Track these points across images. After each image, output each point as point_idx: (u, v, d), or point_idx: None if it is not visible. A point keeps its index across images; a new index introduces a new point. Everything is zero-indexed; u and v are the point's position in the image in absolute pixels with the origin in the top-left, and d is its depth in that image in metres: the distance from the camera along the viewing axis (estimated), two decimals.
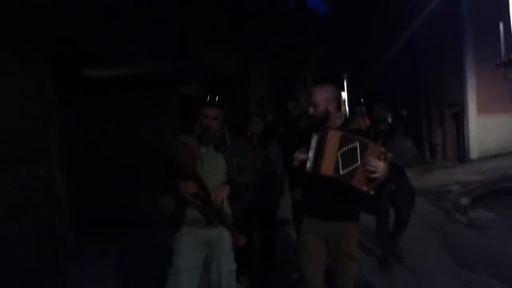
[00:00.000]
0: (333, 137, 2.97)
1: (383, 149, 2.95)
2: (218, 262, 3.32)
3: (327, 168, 2.94)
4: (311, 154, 3.03)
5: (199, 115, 3.35)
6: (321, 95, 3.17)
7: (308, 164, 3.02)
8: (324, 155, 2.95)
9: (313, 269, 3.26)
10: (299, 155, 3.10)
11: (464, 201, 8.01)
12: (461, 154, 13.58)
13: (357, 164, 2.88)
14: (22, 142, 3.67)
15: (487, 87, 12.10)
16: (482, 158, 12.43)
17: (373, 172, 2.87)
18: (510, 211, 7.34)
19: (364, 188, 2.92)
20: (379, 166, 2.88)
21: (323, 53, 15.36)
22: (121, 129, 6.74)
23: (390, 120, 12.98)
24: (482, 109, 12.86)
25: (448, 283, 4.71)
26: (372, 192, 2.99)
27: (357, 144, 2.92)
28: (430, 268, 5.08)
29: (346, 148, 2.93)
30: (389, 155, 2.98)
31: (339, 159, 2.93)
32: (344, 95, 33.47)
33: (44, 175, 3.82)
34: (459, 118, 13.82)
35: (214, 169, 3.33)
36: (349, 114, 17.41)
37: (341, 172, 2.92)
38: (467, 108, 13.20)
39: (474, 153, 12.96)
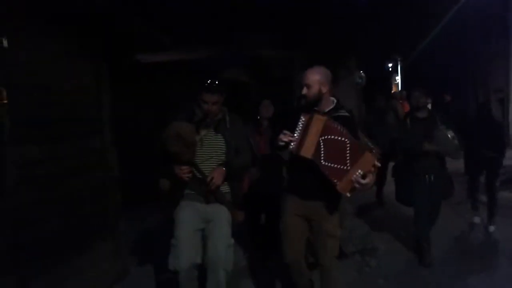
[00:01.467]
0: (317, 121, 3.04)
1: (376, 162, 2.92)
2: (215, 236, 3.43)
3: (307, 150, 3.03)
4: (297, 134, 3.11)
5: (199, 100, 3.46)
6: (314, 77, 3.20)
7: (293, 144, 3.11)
8: (306, 137, 3.03)
9: (295, 251, 3.34)
10: (284, 135, 3.14)
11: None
12: (506, 140, 13.57)
13: (346, 168, 2.90)
14: (82, 117, 4.48)
15: None
16: None
17: (362, 184, 2.90)
18: None
19: (347, 194, 2.98)
20: (369, 183, 2.92)
21: (369, 38, 15.54)
22: (167, 111, 7.49)
23: (430, 106, 13.08)
24: None
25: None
26: (348, 194, 3.06)
27: (348, 143, 2.94)
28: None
29: (331, 136, 2.97)
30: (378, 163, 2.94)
31: (321, 145, 3.00)
32: (398, 79, 33.24)
33: (98, 145, 4.66)
34: (504, 104, 13.78)
35: (213, 150, 3.48)
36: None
37: (323, 161, 2.98)
38: (511, 93, 13.22)
39: None
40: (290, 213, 3.35)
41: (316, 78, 3.21)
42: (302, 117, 3.14)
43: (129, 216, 5.63)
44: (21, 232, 3.41)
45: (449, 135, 4.60)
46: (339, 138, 2.96)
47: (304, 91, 3.23)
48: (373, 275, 4.63)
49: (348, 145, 2.93)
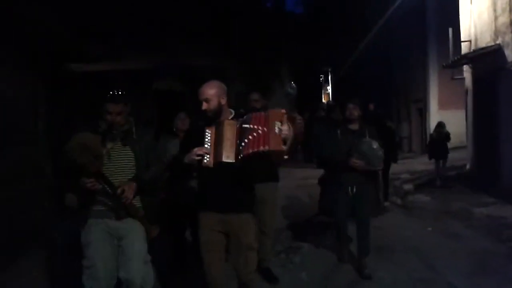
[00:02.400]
0: (230, 126, 3.03)
1: (283, 111, 2.97)
2: (129, 253, 3.25)
3: (228, 155, 2.97)
4: (208, 146, 3.06)
5: (103, 111, 3.27)
6: (211, 90, 3.18)
7: (206, 157, 3.05)
8: (223, 143, 2.98)
9: (215, 268, 3.25)
10: (198, 150, 3.06)
11: (406, 187, 9.07)
12: (424, 147, 14.63)
13: (263, 130, 2.90)
14: (19, 130, 4.58)
15: (446, 85, 13.09)
16: None
17: (284, 131, 2.88)
18: (443, 196, 8.39)
19: (283, 147, 2.90)
20: (285, 128, 2.90)
21: (300, 50, 16.26)
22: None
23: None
24: (442, 105, 13.96)
25: None
26: (285, 156, 3.01)
27: (257, 121, 2.95)
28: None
29: (245, 132, 2.95)
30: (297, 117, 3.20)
31: (239, 144, 2.96)
32: (329, 89, 34.50)
33: (33, 156, 4.76)
34: (423, 113, 14.89)
35: (122, 163, 3.30)
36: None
37: (243, 152, 2.91)
38: (429, 104, 14.30)
39: None
40: (208, 229, 3.24)
41: (213, 92, 3.19)
42: (207, 130, 3.12)
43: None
44: None
45: (373, 146, 4.51)
46: (251, 126, 2.96)
47: (204, 106, 3.17)
48: (297, 271, 4.94)
49: (258, 119, 2.97)
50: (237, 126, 3.02)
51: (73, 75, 7.02)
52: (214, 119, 3.17)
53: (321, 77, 29.72)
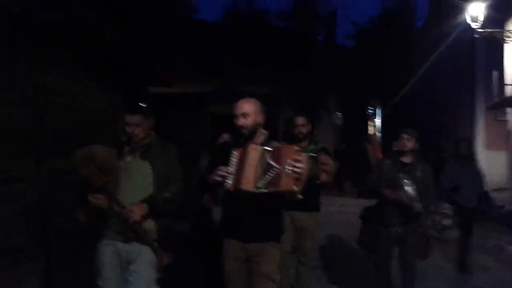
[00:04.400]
0: (255, 151, 2.86)
1: (297, 148, 2.87)
2: (135, 278, 3.08)
3: (248, 183, 2.79)
4: (231, 170, 2.87)
5: (122, 123, 3.16)
6: (250, 106, 3.02)
7: (228, 181, 2.86)
8: (245, 169, 2.81)
9: None
10: (220, 172, 2.89)
11: (445, 221, 9.31)
12: None
13: (278, 170, 2.75)
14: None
15: (491, 126, 13.26)
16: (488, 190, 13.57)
17: (297, 169, 2.73)
18: (481, 232, 8.59)
19: (294, 188, 2.74)
20: (300, 165, 2.74)
21: (349, 82, 16.81)
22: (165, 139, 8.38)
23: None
24: (489, 145, 14.05)
25: None
26: (300, 196, 2.83)
27: (270, 153, 2.83)
28: None
29: (266, 161, 2.81)
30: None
31: (260, 174, 2.80)
32: (378, 122, 34.59)
33: None
34: None
35: (138, 179, 3.11)
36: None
37: (262, 185, 2.78)
38: (476, 144, 14.41)
39: None
40: (231, 258, 3.10)
41: (252, 108, 3.01)
42: (234, 152, 2.92)
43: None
44: None
45: (410, 191, 4.13)
46: (270, 155, 2.83)
47: (241, 121, 2.98)
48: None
49: (270, 154, 2.83)
50: (261, 152, 2.85)
51: (146, 97, 7.84)
52: (248, 138, 3.01)
53: (369, 109, 29.93)
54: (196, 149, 5.51)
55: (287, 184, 2.73)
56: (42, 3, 4.14)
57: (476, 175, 6.19)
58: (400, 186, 4.16)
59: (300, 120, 4.57)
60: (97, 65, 5.29)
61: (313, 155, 3.99)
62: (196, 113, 8.66)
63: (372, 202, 4.66)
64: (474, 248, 7.44)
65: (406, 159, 4.38)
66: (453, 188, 6.09)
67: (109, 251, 3.10)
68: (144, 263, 3.09)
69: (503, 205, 10.67)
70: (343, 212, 9.90)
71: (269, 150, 2.84)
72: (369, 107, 28.25)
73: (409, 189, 4.13)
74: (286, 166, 2.72)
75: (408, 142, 4.35)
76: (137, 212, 2.97)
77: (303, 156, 2.80)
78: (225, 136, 4.44)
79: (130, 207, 2.97)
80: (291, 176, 2.72)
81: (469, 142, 6.76)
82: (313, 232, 4.58)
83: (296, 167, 2.72)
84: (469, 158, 6.28)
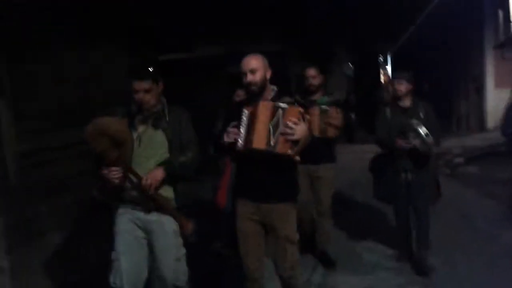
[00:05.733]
0: (265, 108, 2.80)
1: (300, 109, 2.84)
2: (158, 249, 3.03)
3: (260, 142, 2.74)
4: (242, 129, 2.82)
5: (131, 91, 3.01)
6: (258, 61, 2.93)
7: (240, 141, 2.81)
8: (256, 128, 2.75)
9: (251, 260, 3.05)
10: (231, 132, 2.87)
11: (457, 160, 9.80)
12: (481, 124, 15.05)
13: (278, 130, 2.73)
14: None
15: (501, 64, 13.47)
16: (498, 128, 13.93)
17: (292, 134, 2.71)
18: (491, 167, 9.06)
19: (289, 152, 2.75)
20: (297, 127, 2.72)
21: (358, 31, 16.95)
22: (185, 100, 8.86)
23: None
24: (499, 83, 14.28)
25: None
26: (297, 157, 2.85)
27: (280, 111, 2.78)
28: None
29: (276, 118, 2.77)
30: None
31: (271, 130, 2.75)
32: (388, 68, 34.54)
33: None
34: (480, 91, 15.26)
35: (153, 148, 3.02)
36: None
37: (271, 143, 2.74)
38: (486, 82, 14.65)
39: (491, 123, 14.45)
40: (244, 219, 3.05)
41: (260, 63, 2.93)
42: (244, 110, 2.87)
43: None
44: None
45: (421, 132, 4.06)
46: (278, 113, 2.79)
47: (250, 77, 2.89)
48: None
49: (280, 113, 2.80)
50: (272, 108, 2.80)
51: (153, 61, 8.17)
52: (257, 94, 2.95)
53: (380, 56, 29.90)
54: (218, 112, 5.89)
55: (282, 148, 2.75)
56: None
57: None
58: (415, 133, 4.09)
59: (311, 71, 4.49)
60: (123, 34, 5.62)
61: (325, 108, 4.13)
62: (216, 76, 9.07)
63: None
64: (486, 180, 7.98)
65: (405, 103, 4.37)
66: None
67: (126, 219, 3.03)
68: (166, 231, 3.02)
69: None
70: (362, 159, 10.39)
71: (282, 107, 2.80)
72: (380, 55, 28.28)
73: (424, 134, 4.05)
74: (285, 128, 2.74)
75: (400, 86, 4.32)
76: (154, 178, 2.89)
77: (302, 119, 2.79)
78: (240, 93, 4.44)
79: (147, 176, 2.88)
80: (286, 139, 2.74)
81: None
82: (329, 182, 4.58)
83: (290, 128, 2.72)
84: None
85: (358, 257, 4.80)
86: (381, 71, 31.92)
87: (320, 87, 4.56)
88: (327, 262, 4.58)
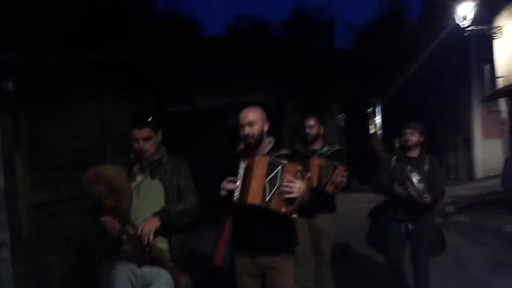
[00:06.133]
0: (261, 164, 2.77)
1: (299, 167, 2.80)
2: None
3: (254, 197, 2.72)
4: (238, 182, 2.80)
5: (131, 140, 2.98)
6: (256, 114, 2.94)
7: (236, 194, 2.80)
8: (251, 183, 2.72)
9: None
10: (227, 185, 2.84)
11: (448, 208, 10.10)
12: (470, 174, 15.47)
13: (276, 186, 2.71)
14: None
15: (488, 117, 14.07)
16: (487, 178, 14.34)
17: (288, 192, 2.69)
18: (481, 215, 9.37)
19: (283, 210, 2.72)
20: (295, 185, 2.70)
21: (349, 84, 17.64)
22: (187, 149, 9.09)
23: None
24: (486, 135, 14.82)
25: None
26: (294, 215, 2.83)
27: (279, 167, 2.75)
28: None
29: (272, 174, 2.74)
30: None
31: (266, 186, 2.72)
32: (377, 120, 35.34)
33: None
34: (468, 143, 15.78)
35: (151, 199, 2.97)
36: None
37: (266, 199, 2.72)
38: (474, 134, 15.21)
39: (480, 173, 14.89)
40: (242, 273, 3.04)
41: (258, 116, 2.94)
42: (241, 163, 2.86)
43: None
44: None
45: (413, 179, 4.10)
46: (277, 169, 2.77)
47: (248, 130, 2.90)
48: None
49: (279, 170, 2.77)
50: (268, 163, 2.80)
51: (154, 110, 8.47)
52: (254, 147, 2.97)
53: (370, 108, 30.69)
54: (218, 162, 6.09)
55: (276, 205, 2.73)
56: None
57: None
58: (408, 180, 4.11)
59: (310, 121, 4.54)
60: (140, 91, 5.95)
61: (334, 163, 4.13)
62: (216, 127, 9.44)
63: (381, 197, 4.66)
64: (476, 228, 8.24)
65: (412, 154, 4.36)
66: None
67: (123, 275, 2.96)
68: (163, 285, 2.95)
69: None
70: (355, 209, 10.67)
71: (282, 163, 2.79)
72: (369, 107, 29.06)
73: (416, 181, 4.09)
74: (281, 185, 2.72)
75: (412, 137, 4.31)
76: (149, 226, 2.80)
77: (301, 176, 2.77)
78: (242, 145, 4.53)
79: (141, 226, 2.80)
80: (282, 197, 2.72)
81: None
82: (329, 232, 4.58)
83: (289, 187, 2.70)
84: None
85: None
86: (370, 122, 32.77)
87: (319, 137, 4.62)
88: None
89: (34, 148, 4.18)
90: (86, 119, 4.98)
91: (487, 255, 6.57)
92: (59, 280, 4.40)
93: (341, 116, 18.77)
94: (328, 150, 4.59)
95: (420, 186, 4.09)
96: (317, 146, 4.60)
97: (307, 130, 4.56)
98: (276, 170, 2.75)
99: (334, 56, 17.08)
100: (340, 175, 4.31)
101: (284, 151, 3.07)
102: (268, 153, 2.98)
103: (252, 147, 2.97)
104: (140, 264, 2.93)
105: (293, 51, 15.15)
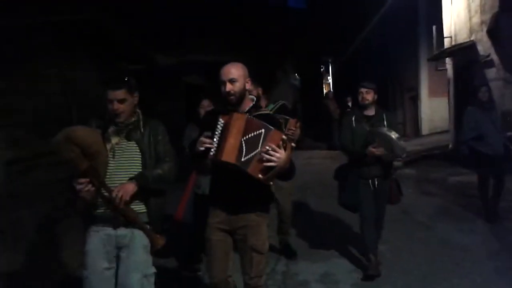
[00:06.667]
0: (238, 121, 2.73)
1: (284, 136, 2.73)
2: (126, 265, 2.90)
3: (229, 155, 2.68)
4: (216, 139, 2.76)
5: (105, 101, 2.90)
6: (238, 70, 2.84)
7: (212, 151, 2.76)
8: (227, 140, 2.69)
9: (216, 269, 2.98)
10: (204, 141, 2.78)
11: (396, 163, 10.62)
12: (416, 131, 16.23)
13: (256, 151, 2.65)
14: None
15: (434, 76, 14.68)
16: (431, 134, 15.12)
17: (268, 159, 2.64)
18: (426, 169, 10.00)
19: (259, 176, 2.67)
20: (276, 154, 2.64)
21: (302, 43, 17.83)
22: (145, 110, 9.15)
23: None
24: (432, 93, 15.50)
25: None
26: (270, 182, 2.84)
27: (263, 131, 2.68)
28: None
29: (252, 134, 2.69)
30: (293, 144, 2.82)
31: (243, 145, 2.69)
32: (330, 79, 35.96)
33: None
34: (415, 101, 16.47)
35: (126, 161, 2.91)
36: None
37: (242, 159, 2.67)
38: (421, 92, 15.86)
39: (425, 129, 15.64)
40: (214, 228, 2.97)
41: (240, 72, 2.85)
42: (220, 119, 2.80)
43: None
44: None
45: (393, 136, 4.14)
46: (258, 131, 2.69)
47: (229, 87, 2.82)
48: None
49: (262, 131, 2.69)
50: (246, 120, 2.76)
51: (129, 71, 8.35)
52: (235, 105, 2.88)
53: (322, 67, 31.16)
54: (175, 122, 5.92)
55: (254, 170, 2.67)
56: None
57: (498, 122, 5.89)
58: (381, 138, 4.20)
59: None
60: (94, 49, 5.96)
61: (284, 117, 4.22)
62: (173, 86, 9.44)
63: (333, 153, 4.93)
64: (422, 180, 8.83)
65: (369, 112, 4.47)
66: (476, 137, 5.77)
67: (97, 238, 2.90)
68: (138, 247, 2.91)
69: (448, 144, 12.10)
70: (310, 164, 11.11)
71: (267, 127, 2.70)
72: (321, 66, 29.48)
73: (396, 139, 4.16)
74: (263, 152, 2.66)
75: (368, 95, 4.41)
76: (125, 191, 2.76)
77: (285, 146, 2.70)
78: (206, 103, 4.62)
79: (117, 189, 2.76)
80: (261, 163, 2.66)
81: (489, 88, 6.11)
82: (289, 188, 4.89)
83: (271, 155, 2.65)
84: (489, 105, 5.88)
85: (316, 250, 5.37)
86: (324, 82, 33.36)
87: (260, 98, 4.61)
88: (290, 253, 5.08)
89: (3, 107, 4.24)
90: (48, 79, 4.96)
91: (431, 203, 7.14)
92: (31, 234, 4.49)
93: (296, 76, 19.02)
94: (274, 107, 4.78)
95: (402, 143, 4.24)
96: (262, 105, 4.59)
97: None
98: (257, 132, 2.69)
99: (287, 15, 17.15)
100: (292, 125, 4.48)
101: (265, 111, 3.09)
102: (249, 111, 2.91)
103: (233, 105, 2.88)
104: (115, 226, 2.87)
105: (247, 9, 15.08)
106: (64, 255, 4.57)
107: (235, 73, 2.83)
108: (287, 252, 5.11)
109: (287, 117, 4.55)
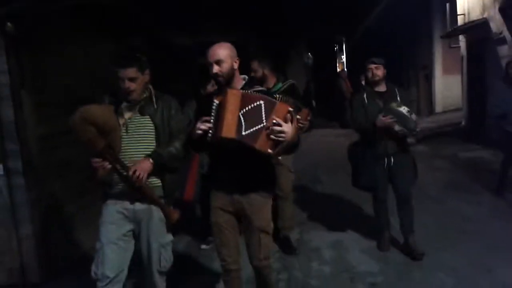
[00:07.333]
0: (233, 96, 2.68)
1: (290, 108, 2.70)
2: (147, 235, 3.00)
3: (228, 130, 2.62)
4: (212, 120, 2.72)
5: (118, 80, 2.93)
6: (224, 51, 2.80)
7: (211, 132, 2.72)
8: (224, 116, 2.63)
9: (226, 251, 3.00)
10: (201, 125, 2.74)
11: (409, 140, 10.79)
12: (430, 109, 16.31)
13: (262, 125, 2.61)
14: None
15: (448, 53, 14.70)
16: (445, 112, 15.22)
17: (278, 133, 2.60)
18: (439, 145, 10.16)
19: (269, 151, 2.64)
20: (285, 128, 2.61)
21: (315, 22, 17.87)
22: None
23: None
24: (446, 71, 15.53)
25: None
26: (279, 157, 2.82)
27: (262, 103, 2.65)
28: None
29: (250, 107, 2.65)
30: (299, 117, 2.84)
31: (242, 119, 2.63)
32: (343, 58, 35.77)
33: None
34: (429, 78, 16.52)
35: (140, 135, 2.97)
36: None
37: (244, 133, 2.62)
38: (434, 70, 15.89)
39: (439, 107, 15.73)
40: (217, 210, 2.97)
41: (226, 53, 2.80)
42: (215, 100, 2.75)
43: None
44: None
45: (403, 110, 4.11)
46: (257, 103, 2.66)
47: (216, 69, 2.78)
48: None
49: (262, 103, 2.66)
50: (241, 95, 2.71)
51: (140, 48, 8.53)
52: (225, 85, 2.84)
53: (336, 46, 31.05)
54: (166, 98, 6.15)
55: (263, 145, 2.63)
56: None
57: None
58: (393, 114, 4.11)
59: (253, 65, 4.53)
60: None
61: (297, 104, 3.88)
62: (188, 66, 9.66)
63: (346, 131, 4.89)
64: (434, 156, 9.04)
65: (381, 88, 4.40)
66: (502, 115, 5.66)
67: (113, 210, 2.97)
68: (155, 220, 2.99)
69: (460, 121, 12.22)
70: (324, 142, 11.39)
71: (268, 99, 2.69)
72: (335, 45, 29.39)
73: (407, 113, 4.12)
74: (270, 125, 2.62)
75: (378, 71, 4.34)
76: (142, 170, 2.83)
77: (290, 119, 2.68)
78: (209, 88, 4.52)
79: (134, 166, 2.83)
80: (269, 137, 2.63)
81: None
82: (288, 167, 4.59)
83: (279, 128, 2.61)
84: None
85: (328, 219, 5.64)
86: (338, 61, 33.25)
87: (266, 78, 4.56)
88: (289, 249, 4.66)
89: (36, 86, 4.42)
90: (76, 59, 5.21)
91: (442, 178, 7.34)
92: (63, 206, 4.80)
93: (309, 55, 19.12)
94: (282, 86, 4.62)
95: (413, 116, 4.17)
96: (270, 84, 4.56)
97: (252, 74, 4.50)
98: (255, 104, 2.65)
99: None
100: (304, 118, 3.98)
101: (259, 88, 3.00)
102: (242, 89, 2.87)
103: (222, 86, 2.85)
104: (132, 201, 2.95)
105: None
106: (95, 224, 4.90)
107: (221, 54, 2.80)
108: (285, 247, 4.69)
109: (300, 106, 4.22)
